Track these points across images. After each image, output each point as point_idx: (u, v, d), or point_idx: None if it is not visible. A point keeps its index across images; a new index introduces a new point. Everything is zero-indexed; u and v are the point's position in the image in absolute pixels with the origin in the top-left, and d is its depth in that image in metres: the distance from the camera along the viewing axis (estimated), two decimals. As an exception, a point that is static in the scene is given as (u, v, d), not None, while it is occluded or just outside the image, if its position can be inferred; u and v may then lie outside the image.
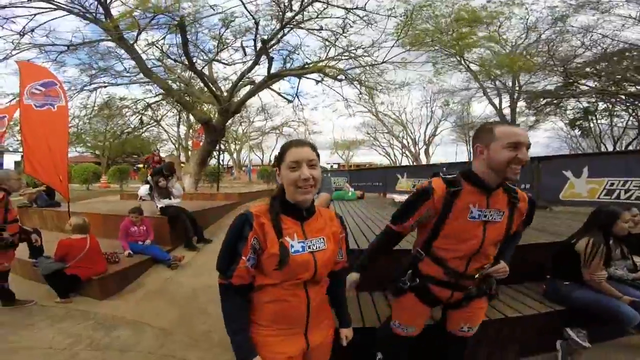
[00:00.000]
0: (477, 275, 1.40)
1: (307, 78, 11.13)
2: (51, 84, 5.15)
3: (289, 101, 12.80)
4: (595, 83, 16.84)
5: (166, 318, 3.20)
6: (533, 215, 1.48)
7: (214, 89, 10.17)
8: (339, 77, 10.87)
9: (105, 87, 10.81)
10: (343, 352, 1.34)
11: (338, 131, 66.03)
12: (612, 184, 4.95)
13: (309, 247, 1.11)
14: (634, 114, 20.06)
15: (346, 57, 10.64)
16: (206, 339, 2.80)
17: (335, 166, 34.56)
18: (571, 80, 16.87)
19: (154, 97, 12.50)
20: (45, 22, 8.42)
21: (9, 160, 23.48)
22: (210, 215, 6.69)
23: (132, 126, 14.80)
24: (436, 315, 1.75)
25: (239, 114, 14.27)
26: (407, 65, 11.08)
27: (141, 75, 9.94)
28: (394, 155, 32.84)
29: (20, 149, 19.29)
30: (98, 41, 9.34)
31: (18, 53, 8.33)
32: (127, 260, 4.27)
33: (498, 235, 1.36)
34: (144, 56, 9.38)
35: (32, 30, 8.20)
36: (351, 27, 9.44)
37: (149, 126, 17.31)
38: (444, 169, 1.44)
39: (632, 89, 16.19)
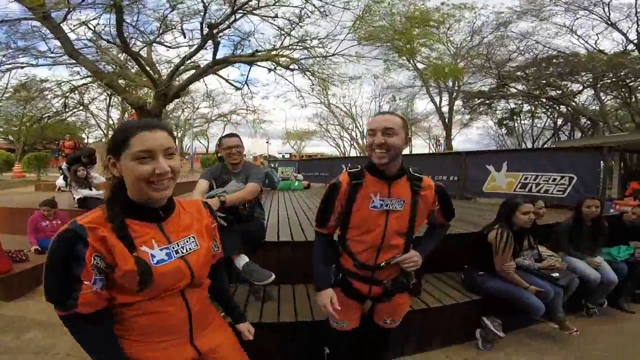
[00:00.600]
0: (382, 264, 1.38)
1: (259, 66, 10.79)
2: None
3: (237, 88, 12.29)
4: (523, 86, 18.83)
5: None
6: (450, 204, 1.45)
7: (151, 72, 9.42)
8: (291, 67, 10.69)
9: (22, 67, 9.59)
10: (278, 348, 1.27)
11: (290, 121, 65.67)
12: (526, 178, 5.49)
13: (177, 252, 0.93)
14: (551, 116, 22.93)
15: (300, 48, 10.49)
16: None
17: (287, 156, 34.35)
18: (503, 83, 18.63)
19: (82, 79, 11.28)
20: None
21: None
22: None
23: (54, 110, 13.15)
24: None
25: (179, 99, 13.33)
26: (359, 59, 11.25)
27: (67, 56, 8.90)
28: (344, 147, 33.64)
29: None
30: (20, 19, 8.12)
31: None
32: (37, 258, 3.75)
33: (401, 225, 1.35)
34: (73, 36, 8.47)
35: None
36: (308, 17, 9.29)
37: (75, 110, 15.54)
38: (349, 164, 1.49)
39: (553, 93, 18.42)
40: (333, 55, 10.57)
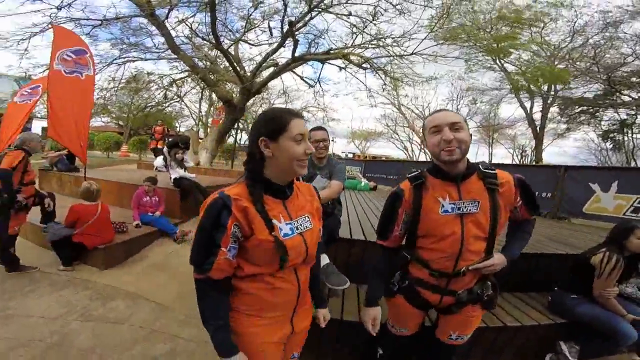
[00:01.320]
0: (462, 270, 1.27)
1: (331, 64, 10.94)
2: (82, 52, 5.22)
3: (311, 86, 12.69)
4: (639, 94, 15.84)
5: (165, 293, 3.24)
6: (533, 195, 1.31)
7: (238, 68, 10.19)
8: (363, 65, 10.61)
9: (134, 61, 11.01)
10: (332, 339, 1.30)
11: (357, 121, 65.34)
12: (640, 202, 4.65)
13: (297, 228, 1.01)
14: (674, 130, 18.86)
15: (373, 46, 10.35)
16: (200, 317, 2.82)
17: (350, 155, 34.26)
18: (614, 89, 15.91)
19: (180, 73, 12.66)
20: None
21: (37, 126, 24.35)
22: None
23: (156, 100, 15.13)
24: (433, 316, 1.66)
25: (260, 95, 14.23)
26: (438, 59, 10.66)
27: (169, 51, 10.11)
28: (412, 150, 32.23)
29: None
30: (131, 17, 9.47)
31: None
32: (135, 230, 4.34)
33: (480, 228, 1.23)
34: (173, 33, 9.51)
35: (69, 5, 8.34)
36: (382, 15, 9.12)
37: (172, 101, 17.58)
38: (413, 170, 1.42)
39: (677, 104, 15.18)
40: (410, 54, 10.18)
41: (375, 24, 9.53)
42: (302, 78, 12.51)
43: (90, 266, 3.68)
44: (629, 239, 2.18)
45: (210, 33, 8.98)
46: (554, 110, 19.53)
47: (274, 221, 0.97)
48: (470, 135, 1.25)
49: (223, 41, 9.70)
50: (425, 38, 9.77)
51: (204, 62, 11.19)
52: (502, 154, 29.39)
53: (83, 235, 3.58)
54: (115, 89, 11.93)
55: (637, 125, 19.82)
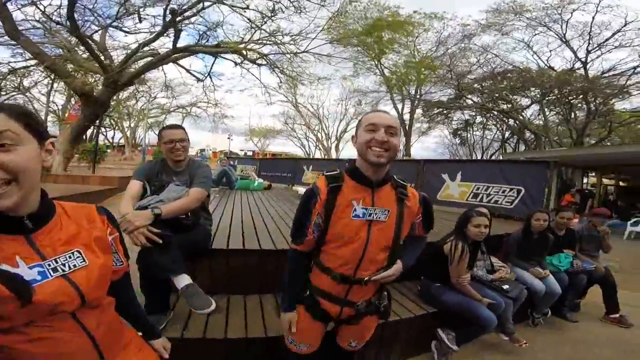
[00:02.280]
0: (365, 279, 1.25)
1: (224, 58, 10.37)
2: None
3: (199, 80, 11.77)
4: (478, 98, 20.09)
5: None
6: (432, 216, 1.37)
7: (102, 57, 8.68)
8: (258, 61, 10.38)
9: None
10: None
11: (255, 118, 64.23)
12: (478, 188, 5.76)
13: (55, 270, 0.76)
14: (500, 128, 24.72)
15: (270, 43, 10.22)
16: None
17: (250, 153, 33.49)
18: (461, 94, 19.73)
19: (24, 61, 10.30)
20: None
21: None
22: (80, 200, 5.54)
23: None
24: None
25: (134, 87, 12.47)
26: (330, 59, 11.25)
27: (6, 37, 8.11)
28: (309, 147, 33.57)
29: None
30: None
31: None
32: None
33: (385, 237, 1.23)
34: (20, 16, 7.90)
35: None
36: (282, 11, 9.05)
37: (12, 94, 13.97)
38: (346, 164, 1.36)
39: (504, 107, 19.85)
40: (304, 52, 10.48)
41: (273, 20, 9.44)
42: (188, 71, 11.48)
43: None
44: (467, 227, 2.37)
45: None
46: (419, 111, 23.20)
47: (3, 266, 0.70)
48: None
49: (89, 27, 8.32)
50: (317, 36, 10.15)
51: (61, 49, 9.27)
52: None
53: None
54: None
55: (476, 124, 25.31)
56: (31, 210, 0.75)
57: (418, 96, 21.79)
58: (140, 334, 1.09)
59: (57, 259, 0.77)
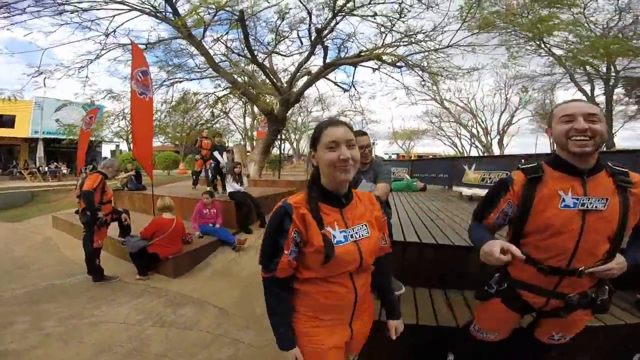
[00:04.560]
0: (580, 270, 1.15)
1: (363, 66, 10.81)
2: (145, 73, 5.45)
3: (345, 90, 12.66)
4: None
5: (227, 298, 3.46)
6: None
7: (274, 80, 10.55)
8: (397, 64, 10.35)
9: (180, 82, 11.96)
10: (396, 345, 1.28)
11: (398, 120, 63.59)
12: None
13: (352, 236, 1.06)
14: None
15: (405, 43, 10.05)
16: (260, 322, 2.96)
17: (394, 156, 33.36)
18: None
19: (223, 90, 13.44)
20: (123, 23, 10.02)
21: (106, 149, 27.22)
22: (272, 201, 6.96)
23: (205, 118, 16.23)
24: (526, 321, 1.53)
25: (297, 104, 14.57)
26: (476, 49, 10.06)
27: (210, 70, 10.77)
28: (462, 145, 30.54)
29: (115, 139, 22.58)
30: (171, 39, 10.31)
31: (106, 53, 9.59)
32: (198, 241, 4.70)
33: (604, 228, 1.12)
34: (211, 52, 10.10)
35: (114, 31, 9.24)
36: (409, 11, 8.84)
37: (219, 118, 18.71)
38: (522, 160, 1.30)
39: None
40: (444, 47, 9.72)
41: (403, 21, 9.27)
42: (335, 84, 12.57)
43: (162, 275, 4.06)
44: None
45: (245, 48, 9.45)
46: (619, 91, 17.21)
47: (328, 228, 1.02)
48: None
49: (257, 55, 10.10)
50: (459, 29, 9.25)
51: (243, 77, 11.78)
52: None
53: (158, 247, 3.96)
54: (168, 109, 13.01)
55: None
56: (344, 192, 1.09)
57: (613, 73, 16.18)
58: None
59: (353, 228, 1.08)
